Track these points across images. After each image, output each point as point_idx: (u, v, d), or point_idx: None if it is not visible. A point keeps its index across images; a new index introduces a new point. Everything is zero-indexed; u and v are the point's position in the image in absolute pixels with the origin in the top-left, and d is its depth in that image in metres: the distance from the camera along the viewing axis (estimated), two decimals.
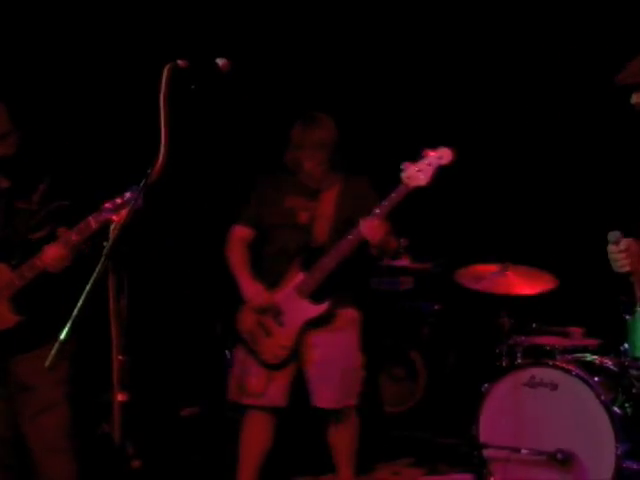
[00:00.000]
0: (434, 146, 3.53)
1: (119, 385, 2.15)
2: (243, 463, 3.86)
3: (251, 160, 5.02)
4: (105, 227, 2.49)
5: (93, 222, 2.92)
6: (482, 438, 4.03)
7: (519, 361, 4.23)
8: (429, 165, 3.49)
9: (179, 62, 2.23)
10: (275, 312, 3.74)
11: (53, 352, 1.98)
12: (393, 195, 3.56)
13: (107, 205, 2.85)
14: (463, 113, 5.37)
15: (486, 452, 4.01)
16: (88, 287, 2.04)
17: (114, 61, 4.93)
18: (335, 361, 3.74)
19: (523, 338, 4.37)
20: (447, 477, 4.46)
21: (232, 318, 4.21)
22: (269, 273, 3.81)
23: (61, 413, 3.22)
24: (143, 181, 2.19)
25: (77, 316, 2.02)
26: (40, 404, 3.16)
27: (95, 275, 2.01)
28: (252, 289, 3.76)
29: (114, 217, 2.68)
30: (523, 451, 3.87)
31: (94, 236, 2.90)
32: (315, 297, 3.70)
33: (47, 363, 1.98)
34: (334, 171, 3.83)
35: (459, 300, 5.53)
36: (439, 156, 3.51)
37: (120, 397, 2.14)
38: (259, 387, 3.73)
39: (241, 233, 3.90)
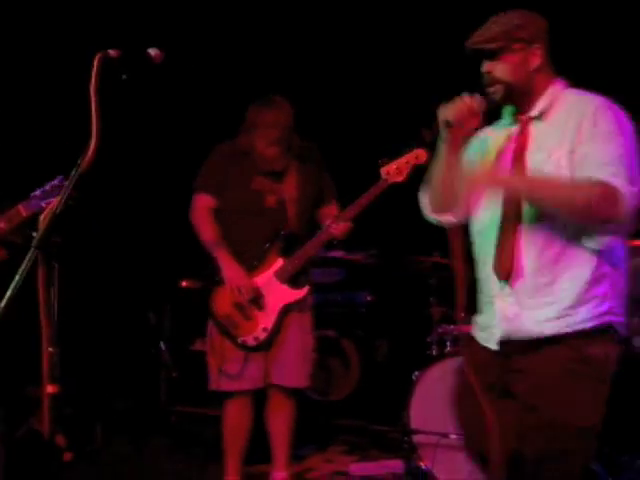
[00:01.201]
0: (408, 145, 3.59)
1: (49, 377, 2.10)
2: (230, 449, 3.85)
3: (182, 150, 4.97)
4: (35, 218, 2.47)
5: (23, 210, 2.89)
6: (413, 424, 4.09)
7: (448, 349, 4.33)
8: (407, 163, 3.63)
9: (110, 52, 2.18)
10: (255, 296, 3.74)
11: None
12: (373, 189, 3.67)
13: (36, 193, 2.81)
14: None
15: (416, 438, 4.07)
16: (17, 278, 1.99)
17: (46, 51, 4.82)
18: (300, 342, 3.82)
19: (452, 327, 4.46)
20: (378, 463, 4.50)
21: (164, 309, 4.17)
22: (237, 257, 3.77)
23: None
24: (74, 170, 2.14)
25: (4, 308, 1.98)
26: None
27: (24, 266, 1.96)
28: (234, 270, 3.73)
29: (44, 205, 2.65)
30: (451, 436, 3.92)
31: (24, 226, 2.84)
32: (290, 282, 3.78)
33: None
34: (290, 154, 3.83)
35: (391, 291, 5.59)
36: (416, 155, 3.63)
37: (50, 389, 2.10)
38: (238, 370, 3.74)
39: (206, 202, 3.82)
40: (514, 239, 2.41)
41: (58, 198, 2.11)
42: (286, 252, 3.79)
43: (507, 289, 2.44)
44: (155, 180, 5.17)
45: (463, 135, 2.47)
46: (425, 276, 4.74)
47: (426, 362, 4.22)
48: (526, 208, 2.39)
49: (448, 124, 2.40)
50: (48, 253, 2.03)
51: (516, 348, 2.44)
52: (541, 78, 2.46)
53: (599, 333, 2.37)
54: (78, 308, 4.36)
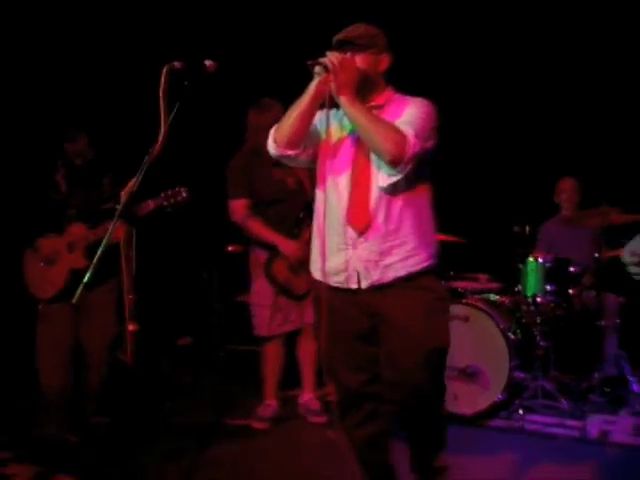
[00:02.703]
0: None
1: (130, 318, 2.14)
2: (269, 378, 3.89)
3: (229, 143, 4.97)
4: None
5: (152, 204, 3.07)
6: None
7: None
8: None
9: (175, 63, 2.19)
10: (302, 258, 3.66)
11: (78, 291, 1.97)
12: None
13: (162, 194, 3.06)
14: None
15: None
16: (105, 241, 2.01)
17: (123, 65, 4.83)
18: None
19: (443, 282, 4.46)
20: None
21: (214, 269, 4.20)
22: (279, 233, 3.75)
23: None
24: (146, 158, 2.15)
25: (96, 264, 2.00)
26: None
27: (111, 231, 1.99)
28: (291, 245, 3.70)
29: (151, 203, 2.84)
30: None
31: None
32: None
33: (74, 300, 1.96)
34: None
35: None
36: None
37: (131, 327, 2.14)
38: (286, 318, 3.79)
39: (242, 204, 3.77)
40: (366, 195, 2.33)
41: (134, 180, 2.13)
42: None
43: (362, 239, 2.33)
44: (209, 168, 5.18)
45: (328, 90, 2.28)
46: None
47: None
48: (373, 169, 2.33)
49: (327, 68, 2.24)
50: (128, 222, 2.07)
51: (375, 289, 2.35)
52: (382, 81, 2.44)
53: (434, 272, 2.39)
54: (150, 267, 4.42)
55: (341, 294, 2.40)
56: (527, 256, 4.10)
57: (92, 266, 1.93)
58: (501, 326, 3.86)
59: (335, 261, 2.39)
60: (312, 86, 2.29)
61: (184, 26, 4.96)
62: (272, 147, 2.42)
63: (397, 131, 2.23)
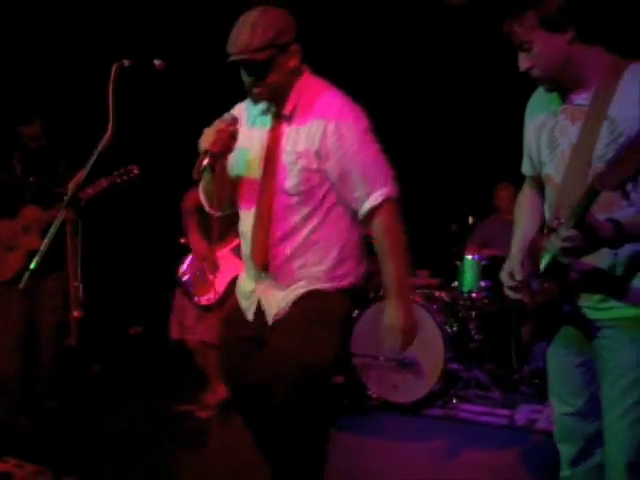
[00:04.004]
0: None
1: (75, 305, 2.19)
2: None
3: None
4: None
5: (105, 182, 3.21)
6: (352, 350, 4.14)
7: (381, 293, 4.39)
8: None
9: (124, 61, 2.25)
10: (213, 265, 3.76)
11: (25, 276, 2.03)
12: None
13: (115, 172, 3.21)
14: None
15: (355, 360, 4.16)
16: (52, 230, 2.08)
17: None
18: None
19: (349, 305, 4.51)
20: None
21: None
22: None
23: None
24: (94, 150, 2.20)
25: (43, 251, 2.06)
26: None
27: (58, 220, 2.06)
28: (200, 245, 3.75)
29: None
30: (380, 358, 4.07)
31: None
32: None
33: (21, 285, 2.03)
34: None
35: None
36: None
37: (76, 314, 2.19)
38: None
39: (195, 196, 3.76)
40: (266, 234, 2.14)
41: (82, 172, 2.20)
42: None
43: (263, 275, 2.18)
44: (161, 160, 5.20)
45: (226, 156, 2.11)
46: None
47: (364, 303, 4.27)
48: (275, 207, 2.13)
49: (214, 156, 2.04)
50: (75, 211, 2.14)
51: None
52: (293, 77, 2.12)
53: (343, 292, 2.18)
54: (103, 256, 4.45)
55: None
56: (463, 254, 4.27)
57: (39, 253, 2.00)
58: (437, 320, 4.01)
59: (244, 287, 2.27)
60: (213, 176, 2.13)
61: (142, 21, 4.97)
62: (210, 211, 2.32)
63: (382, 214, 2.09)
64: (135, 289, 5.24)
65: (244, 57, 2.01)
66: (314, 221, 2.13)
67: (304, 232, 2.13)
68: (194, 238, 3.78)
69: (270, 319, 2.17)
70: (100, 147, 2.12)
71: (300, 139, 2.09)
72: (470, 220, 4.49)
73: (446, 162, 5.20)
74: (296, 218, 2.12)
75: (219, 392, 3.94)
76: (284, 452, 2.13)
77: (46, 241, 2.04)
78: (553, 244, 1.73)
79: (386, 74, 5.07)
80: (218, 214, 2.34)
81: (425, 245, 4.84)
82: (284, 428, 2.08)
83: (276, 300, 2.17)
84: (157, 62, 2.33)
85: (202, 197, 2.28)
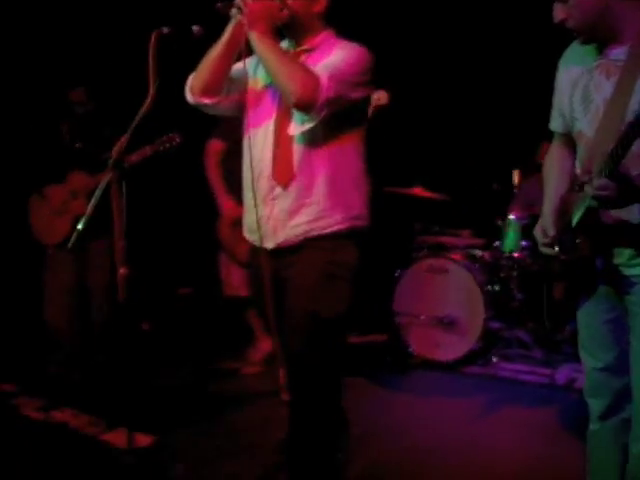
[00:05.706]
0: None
1: (121, 262, 2.27)
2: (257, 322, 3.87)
3: None
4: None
5: (148, 149, 3.32)
6: (395, 308, 4.26)
7: (422, 253, 4.41)
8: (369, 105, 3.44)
9: (163, 29, 2.28)
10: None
11: (73, 237, 2.14)
12: None
13: (157, 140, 3.32)
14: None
15: (397, 318, 4.24)
16: (97, 192, 2.16)
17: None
18: None
19: (429, 237, 4.61)
20: (367, 337, 4.51)
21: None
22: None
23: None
24: (138, 115, 2.26)
25: (90, 212, 2.15)
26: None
27: (103, 184, 2.15)
28: (227, 203, 3.67)
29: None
30: (421, 317, 4.13)
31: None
32: None
33: (69, 245, 2.14)
34: None
35: (384, 210, 5.63)
36: (377, 97, 3.35)
37: (122, 271, 2.28)
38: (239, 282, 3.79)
39: (217, 146, 3.69)
40: (289, 151, 2.09)
41: (125, 137, 2.27)
42: None
43: (277, 190, 2.11)
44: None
45: (244, 32, 2.06)
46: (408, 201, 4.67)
47: (407, 263, 4.33)
48: (294, 122, 2.08)
49: (240, 9, 2.04)
50: (120, 174, 2.22)
51: (284, 250, 2.14)
52: (318, 24, 2.18)
53: (347, 237, 2.13)
54: (153, 218, 4.58)
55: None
56: (506, 213, 4.25)
57: (86, 214, 2.10)
58: (478, 279, 4.03)
59: (250, 218, 2.20)
60: (227, 30, 2.12)
61: None
62: (188, 95, 2.24)
63: (307, 72, 1.99)
64: (184, 251, 5.36)
65: None
66: (324, 142, 2.09)
67: (311, 153, 2.08)
68: (222, 198, 3.69)
69: (272, 244, 2.13)
70: (141, 113, 2.17)
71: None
72: (515, 178, 4.43)
73: (489, 120, 5.12)
74: (301, 134, 2.08)
75: (263, 347, 4.05)
76: (300, 395, 2.16)
77: (92, 203, 2.12)
78: (587, 193, 1.74)
79: (432, 33, 5.00)
80: (195, 99, 2.24)
81: (468, 204, 4.88)
82: (299, 373, 2.13)
83: (285, 228, 2.11)
84: (195, 28, 2.35)
85: (191, 77, 2.24)
